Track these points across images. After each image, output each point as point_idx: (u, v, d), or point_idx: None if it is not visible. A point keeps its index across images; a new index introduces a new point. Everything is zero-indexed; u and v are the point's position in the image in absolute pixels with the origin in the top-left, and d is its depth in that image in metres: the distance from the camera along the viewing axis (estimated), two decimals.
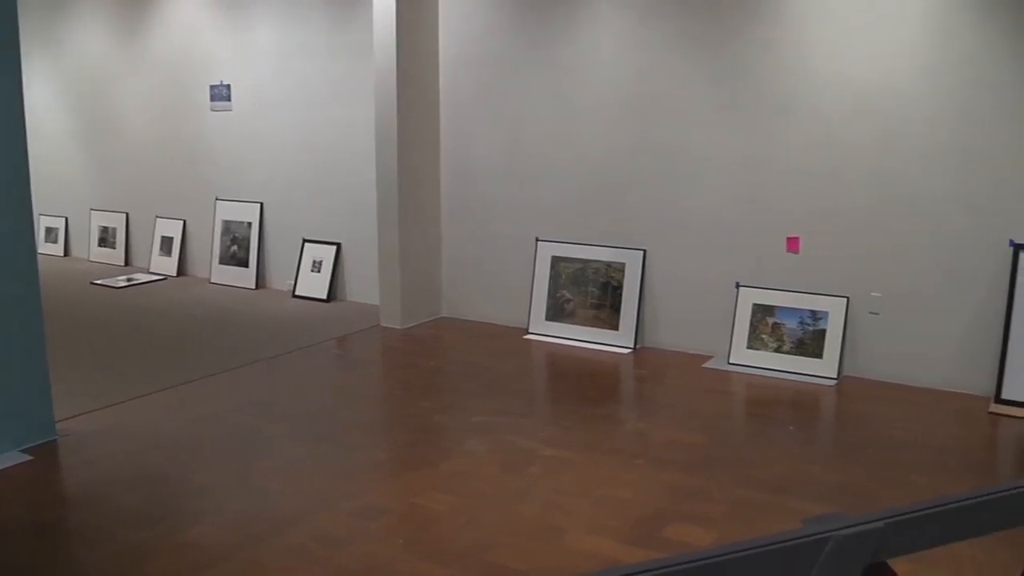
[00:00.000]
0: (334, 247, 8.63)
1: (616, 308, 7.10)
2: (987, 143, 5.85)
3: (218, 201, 9.46)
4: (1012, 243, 5.84)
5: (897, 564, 3.42)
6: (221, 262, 9.42)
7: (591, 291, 7.21)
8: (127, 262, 10.45)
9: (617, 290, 7.10)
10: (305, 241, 8.79)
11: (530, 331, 7.44)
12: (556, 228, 7.40)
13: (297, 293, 8.75)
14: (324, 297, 8.56)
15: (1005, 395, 5.80)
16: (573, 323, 7.27)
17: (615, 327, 7.09)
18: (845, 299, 6.35)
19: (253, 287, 9.15)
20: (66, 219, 11.12)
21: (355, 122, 8.21)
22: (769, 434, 5.37)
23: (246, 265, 9.23)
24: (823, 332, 6.38)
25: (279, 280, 9.12)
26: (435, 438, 5.23)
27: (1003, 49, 5.73)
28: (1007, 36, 5.71)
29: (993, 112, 5.81)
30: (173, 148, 9.82)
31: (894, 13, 6.00)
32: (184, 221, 9.86)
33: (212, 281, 9.48)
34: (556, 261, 7.37)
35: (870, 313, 6.32)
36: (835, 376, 6.29)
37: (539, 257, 7.44)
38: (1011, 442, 5.44)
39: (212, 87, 9.32)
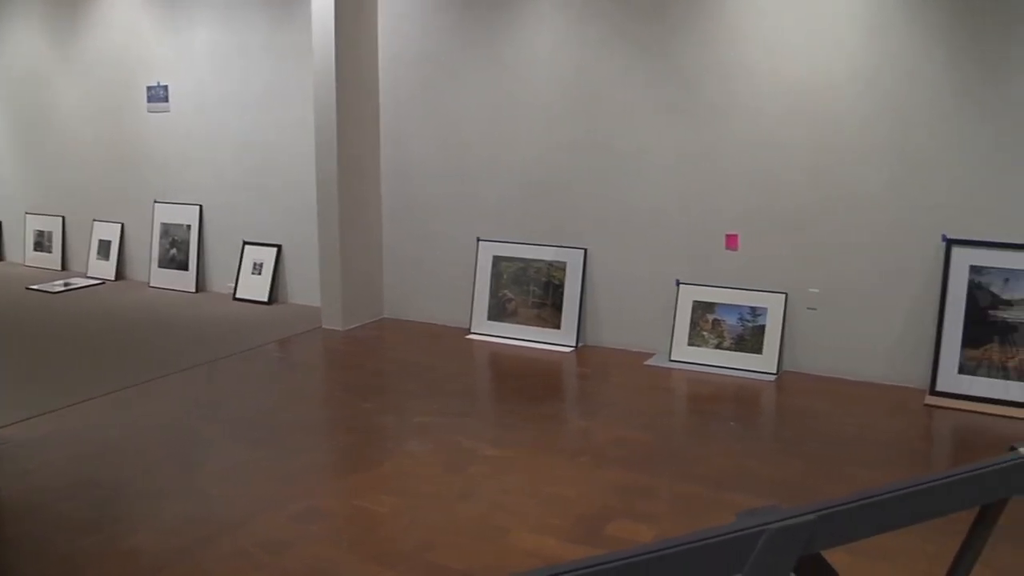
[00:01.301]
0: (275, 249, 8.58)
1: (558, 307, 7.13)
2: (920, 140, 5.96)
3: (156, 204, 9.36)
4: (944, 238, 5.95)
5: (833, 555, 3.48)
6: (160, 265, 9.33)
7: (533, 290, 7.24)
8: (64, 266, 10.31)
9: (559, 289, 7.13)
10: (245, 243, 8.73)
11: (472, 331, 7.45)
12: (497, 227, 7.42)
13: (238, 296, 8.69)
14: (265, 300, 8.51)
15: (940, 387, 5.91)
16: (515, 322, 7.29)
17: (557, 326, 7.12)
18: (784, 295, 6.43)
19: (193, 290, 9.08)
20: (0, 223, 10.95)
21: (295, 123, 8.17)
22: (711, 430, 5.43)
23: (186, 268, 9.14)
24: (762, 328, 6.46)
25: (219, 283, 9.05)
26: (378, 439, 5.23)
27: (934, 46, 5.84)
28: (938, 33, 5.82)
29: (925, 109, 5.92)
30: (110, 150, 9.71)
31: (828, 12, 6.09)
32: (122, 224, 9.75)
33: (151, 285, 9.38)
34: (497, 260, 7.39)
35: (808, 309, 6.41)
36: (775, 371, 6.37)
37: (480, 257, 7.45)
38: (946, 433, 5.54)
39: (149, 88, 9.23)
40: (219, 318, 8.06)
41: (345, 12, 7.28)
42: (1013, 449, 2.21)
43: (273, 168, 8.50)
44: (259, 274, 8.61)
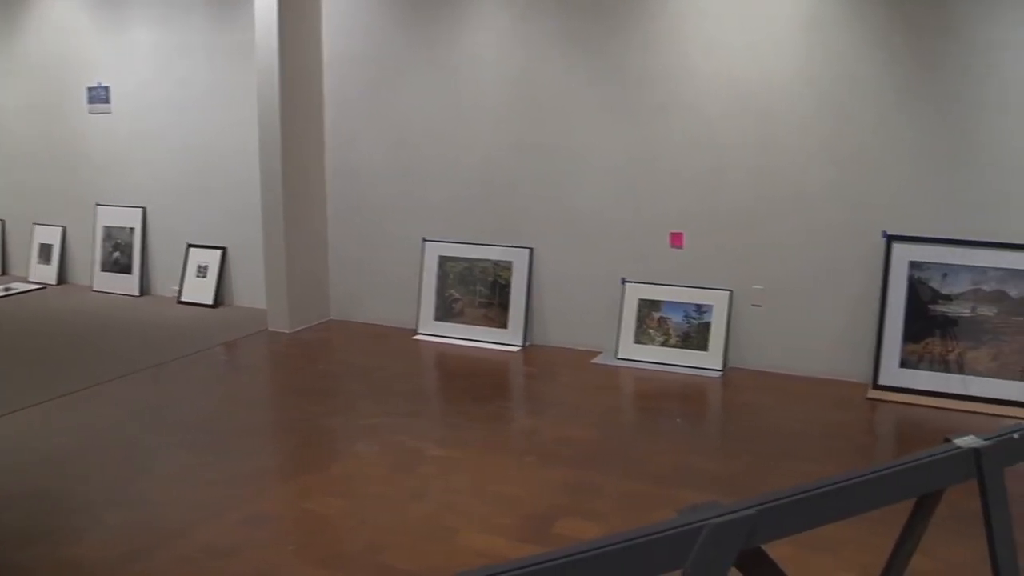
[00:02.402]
0: (219, 251, 8.51)
1: (504, 306, 7.15)
2: (860, 139, 6.04)
3: (99, 206, 9.24)
4: (885, 234, 6.03)
5: (778, 548, 3.51)
6: (103, 269, 9.21)
7: (479, 290, 7.24)
8: (4, 271, 10.14)
9: (505, 288, 7.14)
10: (190, 246, 8.65)
11: (419, 331, 7.44)
12: (443, 227, 7.41)
13: (183, 299, 8.61)
14: (210, 303, 8.44)
15: (881, 381, 6.00)
16: (462, 322, 7.30)
17: (504, 325, 7.13)
18: (728, 292, 6.49)
19: (137, 294, 8.97)
20: None
21: (239, 123, 8.10)
22: (657, 427, 5.47)
23: (129, 272, 9.04)
24: (708, 325, 6.51)
25: (164, 286, 8.96)
26: (325, 442, 5.20)
27: (873, 47, 5.93)
28: (876, 34, 5.90)
29: (864, 109, 6.01)
30: (50, 152, 9.56)
31: (769, 13, 6.15)
32: (63, 228, 9.61)
33: (94, 289, 9.25)
34: (444, 261, 7.38)
35: (752, 306, 6.47)
36: (720, 368, 6.42)
37: (426, 257, 7.45)
38: (888, 426, 5.63)
39: (90, 89, 9.11)
40: (164, 322, 7.98)
41: (288, 11, 7.23)
42: (948, 441, 2.25)
43: (217, 169, 8.43)
44: (204, 277, 8.54)
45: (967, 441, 2.24)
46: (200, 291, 8.53)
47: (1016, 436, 2.29)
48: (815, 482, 1.99)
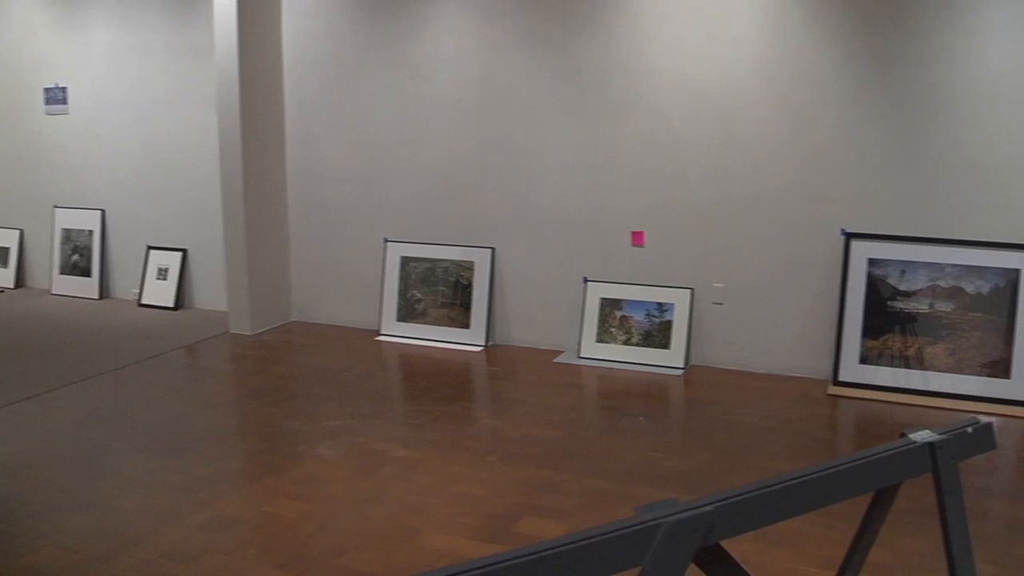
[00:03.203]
0: (180, 253, 8.45)
1: (467, 306, 7.14)
2: (818, 138, 6.10)
3: (57, 209, 9.15)
4: (843, 232, 6.09)
5: (742, 544, 3.55)
6: (62, 272, 9.12)
7: (441, 290, 7.24)
8: None
9: (467, 289, 7.14)
10: (150, 248, 8.59)
11: (382, 332, 7.42)
12: (405, 228, 7.40)
13: (143, 302, 8.54)
14: (171, 305, 8.38)
15: (842, 377, 6.06)
16: (424, 323, 7.29)
17: (466, 325, 7.13)
18: (689, 291, 6.52)
19: (97, 297, 8.89)
20: None
21: (198, 124, 8.06)
22: (620, 425, 5.48)
23: (89, 275, 8.96)
24: (669, 323, 6.54)
25: (124, 289, 8.88)
26: (286, 444, 5.17)
27: (830, 47, 5.98)
28: (834, 35, 5.95)
29: (822, 108, 6.06)
30: (7, 154, 9.45)
31: (728, 13, 6.19)
32: (21, 231, 9.50)
33: (53, 292, 9.16)
34: (406, 261, 7.37)
35: (713, 304, 6.51)
36: (682, 366, 6.46)
37: (388, 258, 7.43)
38: (849, 421, 5.67)
39: (47, 89, 9.01)
40: (124, 325, 7.90)
41: (248, 11, 7.20)
42: (904, 435, 2.27)
43: (177, 170, 8.37)
44: (164, 279, 8.48)
45: (922, 436, 2.26)
46: (160, 294, 8.47)
47: (970, 430, 2.31)
48: (772, 478, 2.01)
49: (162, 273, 8.50)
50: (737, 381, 6.27)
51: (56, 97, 8.99)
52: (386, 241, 7.45)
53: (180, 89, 8.22)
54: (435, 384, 6.28)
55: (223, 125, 7.34)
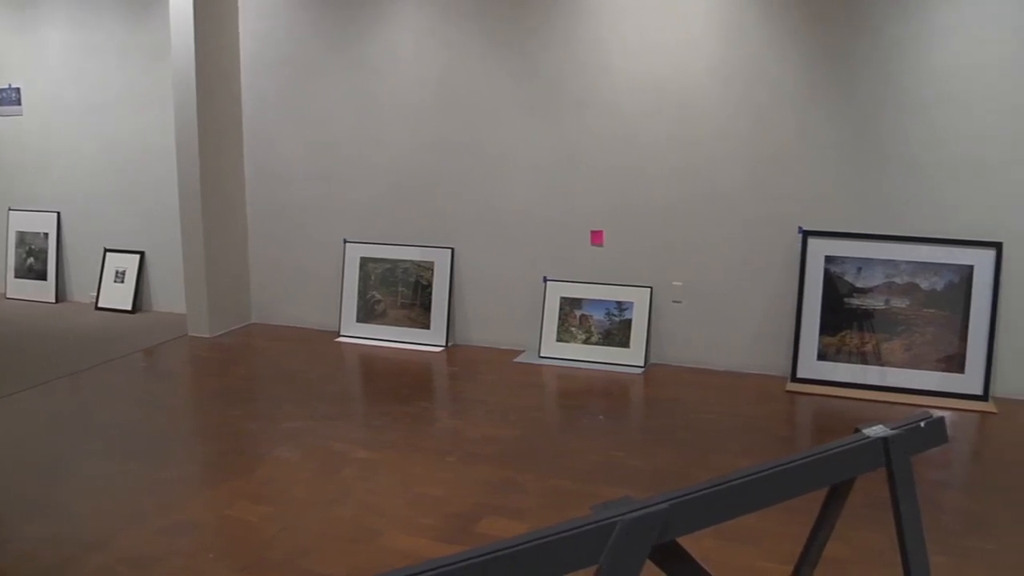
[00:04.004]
0: (137, 256, 8.38)
1: (426, 307, 7.14)
2: (775, 137, 6.15)
3: (11, 211, 9.05)
4: (801, 230, 6.14)
5: (701, 541, 3.57)
6: (17, 276, 9.02)
7: (401, 291, 7.23)
8: None
9: (427, 289, 7.14)
10: (107, 251, 8.51)
11: (342, 334, 7.40)
12: (365, 228, 7.38)
13: (100, 305, 8.47)
14: (129, 308, 8.31)
15: (800, 374, 6.11)
16: (384, 323, 7.28)
17: (426, 326, 7.13)
18: (649, 289, 6.55)
19: (53, 301, 8.80)
20: None
21: (155, 125, 8.00)
22: (580, 424, 5.50)
23: (44, 278, 8.86)
24: (629, 322, 6.57)
25: (81, 292, 8.80)
26: (246, 447, 5.15)
27: (787, 48, 6.03)
28: (790, 33, 6.00)
29: (779, 107, 6.12)
30: None
31: (687, 13, 6.22)
32: None
33: (7, 296, 9.05)
34: (365, 262, 7.36)
35: (673, 302, 6.54)
36: (642, 364, 6.49)
37: (348, 258, 7.41)
38: (807, 417, 5.72)
39: (0, 91, 8.91)
40: (81, 329, 7.84)
41: (204, 11, 7.15)
42: (858, 431, 2.30)
43: (134, 172, 8.30)
44: (122, 282, 8.41)
45: (876, 431, 2.29)
46: (118, 297, 8.40)
47: (923, 425, 2.35)
48: (727, 475, 2.03)
49: (119, 276, 8.43)
50: (697, 379, 6.31)
51: (9, 98, 8.89)
52: (345, 242, 7.42)
53: (136, 90, 8.16)
54: (395, 385, 6.28)
55: (179, 126, 7.29)
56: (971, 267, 5.83)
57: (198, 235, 7.38)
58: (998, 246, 5.79)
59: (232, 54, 7.56)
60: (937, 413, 2.53)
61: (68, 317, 8.28)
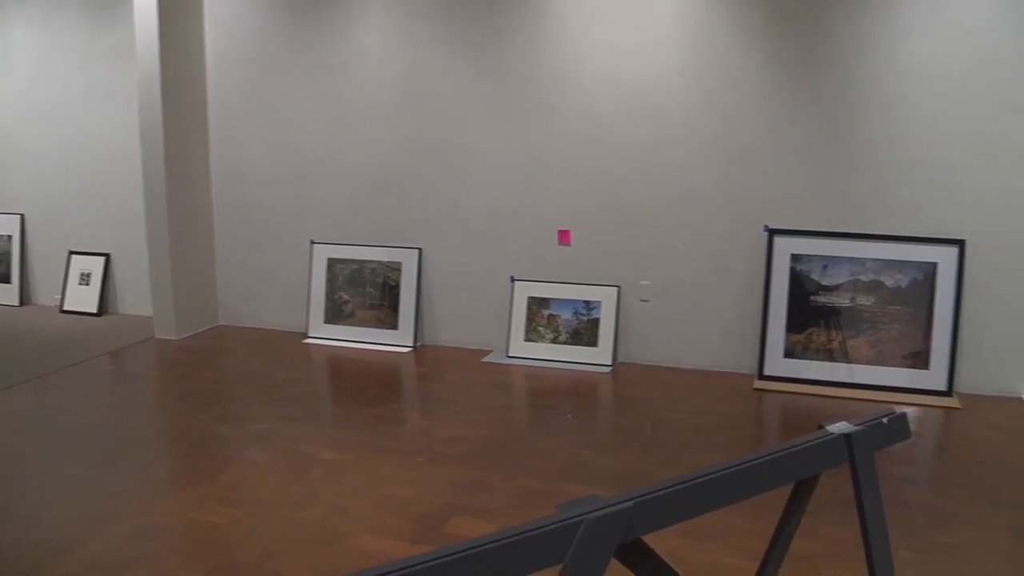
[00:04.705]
0: (103, 258, 8.32)
1: (394, 307, 7.13)
2: (741, 137, 6.19)
3: None
4: (767, 228, 6.18)
5: (669, 539, 3.58)
6: None
7: (369, 291, 7.22)
8: None
9: (394, 289, 7.12)
10: (72, 253, 8.45)
11: (310, 335, 7.38)
12: (332, 229, 7.36)
13: (65, 308, 8.40)
14: (94, 311, 8.25)
15: (767, 371, 6.15)
16: (352, 324, 7.26)
17: (394, 326, 7.12)
18: (616, 288, 6.57)
19: (17, 304, 8.71)
20: None
21: (120, 126, 7.94)
22: (548, 424, 5.51)
23: (8, 281, 8.78)
24: (597, 321, 6.58)
25: (45, 295, 8.72)
26: (214, 449, 5.12)
27: (753, 48, 6.07)
28: (756, 34, 6.04)
29: (745, 107, 6.15)
30: None
31: (652, 12, 6.25)
32: None
33: None
34: (332, 263, 7.33)
35: (640, 301, 6.56)
36: (610, 363, 6.50)
37: (315, 259, 7.39)
38: (774, 415, 5.76)
39: None
40: (46, 332, 7.77)
41: (169, 11, 7.10)
42: (822, 428, 2.32)
43: (99, 173, 8.23)
44: (87, 284, 8.35)
45: (839, 427, 2.31)
46: (83, 299, 8.34)
47: (885, 421, 2.37)
48: (691, 473, 2.04)
49: (84, 278, 8.37)
50: (664, 377, 6.34)
51: None
52: (312, 243, 7.40)
53: (101, 91, 8.09)
54: (363, 386, 6.26)
55: (145, 127, 7.24)
56: (935, 264, 5.89)
57: (164, 237, 7.33)
58: (961, 243, 5.84)
59: (198, 54, 7.52)
60: (900, 409, 2.56)
61: (33, 320, 8.21)
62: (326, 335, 7.33)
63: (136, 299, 8.20)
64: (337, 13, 7.09)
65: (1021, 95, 5.66)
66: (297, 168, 7.44)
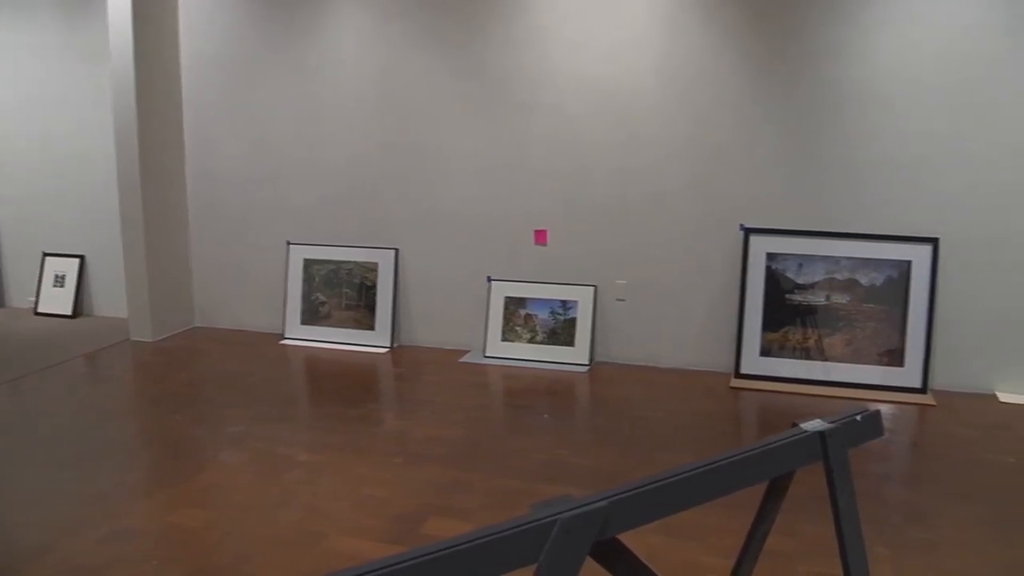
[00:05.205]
0: (77, 260, 8.27)
1: (371, 308, 7.12)
2: (716, 136, 6.21)
3: None
4: (742, 227, 6.20)
5: (646, 537, 3.59)
6: None
7: (345, 292, 7.20)
8: None
9: (371, 290, 7.11)
10: (46, 255, 8.39)
11: (286, 336, 7.36)
12: (309, 230, 7.34)
13: (40, 310, 8.34)
14: (69, 313, 8.20)
15: (743, 370, 6.17)
16: (329, 325, 7.24)
17: (371, 327, 7.11)
18: (593, 288, 6.58)
19: None
20: None
21: (95, 127, 7.90)
22: (525, 424, 5.50)
23: None
24: (573, 321, 6.59)
25: (20, 297, 8.67)
26: (190, 452, 5.09)
27: (727, 48, 6.08)
28: (730, 36, 6.06)
29: (720, 107, 6.17)
30: None
31: (629, 13, 6.26)
32: None
33: None
34: (309, 264, 7.31)
35: (617, 300, 6.57)
36: (587, 363, 6.51)
37: (291, 260, 7.37)
38: (751, 413, 5.78)
39: None
40: (20, 334, 7.71)
41: (143, 11, 7.06)
42: (795, 425, 2.32)
43: (73, 174, 8.18)
44: (62, 286, 8.30)
45: (813, 425, 2.32)
46: (58, 301, 8.29)
47: (859, 418, 2.38)
48: (665, 471, 2.04)
49: (59, 280, 8.32)
50: (641, 376, 6.35)
51: None
52: (289, 244, 7.38)
53: (76, 91, 8.04)
54: (340, 387, 6.25)
55: (119, 127, 7.20)
56: (909, 262, 5.92)
57: (139, 238, 7.29)
58: (935, 241, 5.88)
59: (172, 54, 7.48)
60: (874, 406, 2.57)
61: (6, 323, 8.15)
62: (303, 336, 7.31)
63: (111, 301, 8.15)
64: (313, 13, 7.07)
65: (993, 93, 5.71)
66: (273, 168, 7.41)
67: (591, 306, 6.58)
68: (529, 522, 1.74)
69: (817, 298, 6.09)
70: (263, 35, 7.26)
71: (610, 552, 2.02)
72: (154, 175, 7.34)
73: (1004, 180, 5.77)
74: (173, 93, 7.53)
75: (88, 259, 8.29)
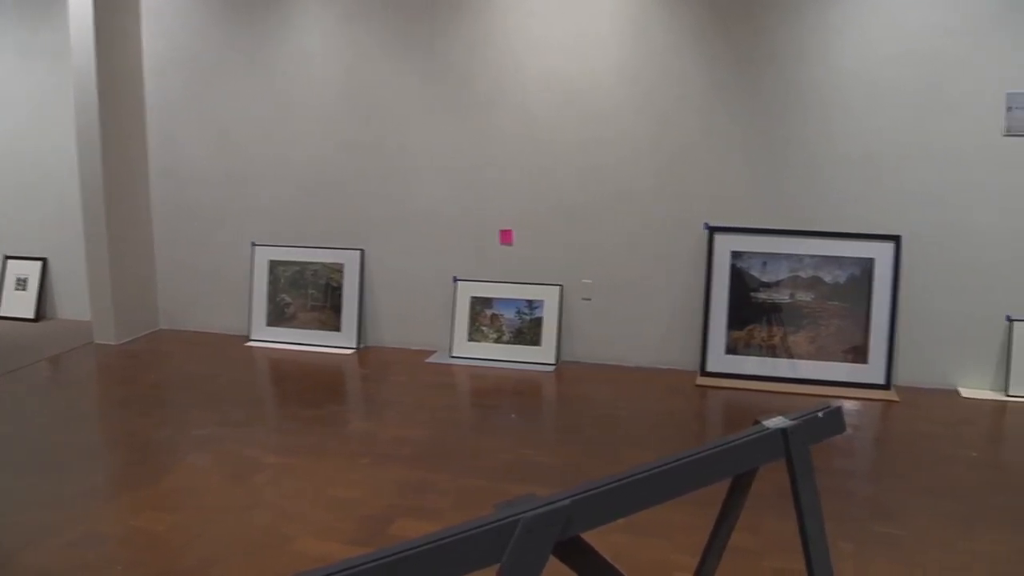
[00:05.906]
0: (39, 262, 8.20)
1: (337, 309, 7.10)
2: (680, 135, 6.24)
3: None
4: (706, 226, 6.23)
5: (612, 536, 3.59)
6: None
7: (311, 293, 7.18)
8: None
9: (337, 291, 7.09)
10: (7, 258, 8.31)
11: (252, 338, 7.33)
12: (274, 231, 7.31)
13: (1, 314, 8.26)
14: (32, 316, 8.13)
15: (709, 368, 6.21)
16: (294, 327, 7.22)
17: (337, 328, 7.09)
18: (559, 287, 6.59)
19: None
20: None
21: (56, 127, 7.82)
22: (492, 423, 5.51)
23: None
24: (540, 320, 6.60)
25: None
26: (155, 455, 5.06)
27: (691, 46, 6.12)
28: (694, 33, 6.09)
29: (683, 106, 6.21)
30: None
31: (593, 12, 6.28)
32: None
33: None
34: (274, 265, 7.28)
35: (583, 299, 6.59)
36: (554, 362, 6.53)
37: (256, 262, 7.33)
38: (716, 411, 5.81)
39: None
40: None
41: (104, 10, 7.01)
42: (758, 423, 2.34)
43: (36, 177, 8.10)
44: (24, 290, 8.22)
45: (775, 422, 2.33)
46: (20, 305, 8.21)
47: (821, 415, 2.40)
48: (628, 470, 2.05)
49: (21, 283, 8.24)
50: (608, 375, 6.37)
51: None
52: (254, 245, 7.34)
53: (37, 91, 7.96)
54: (306, 388, 6.23)
55: (81, 127, 7.13)
56: (871, 260, 5.97)
57: (102, 240, 7.23)
58: (897, 239, 5.94)
59: (134, 53, 7.42)
60: (838, 403, 2.59)
61: None
62: (268, 338, 7.28)
63: (74, 304, 8.09)
64: (276, 13, 7.04)
65: (953, 93, 5.77)
66: (237, 168, 7.37)
67: (557, 306, 6.59)
68: (492, 522, 1.74)
69: (782, 296, 6.13)
70: (227, 34, 7.23)
71: (574, 551, 2.03)
72: (117, 176, 7.28)
73: (965, 179, 5.84)
74: (136, 93, 7.47)
75: (50, 262, 8.22)
